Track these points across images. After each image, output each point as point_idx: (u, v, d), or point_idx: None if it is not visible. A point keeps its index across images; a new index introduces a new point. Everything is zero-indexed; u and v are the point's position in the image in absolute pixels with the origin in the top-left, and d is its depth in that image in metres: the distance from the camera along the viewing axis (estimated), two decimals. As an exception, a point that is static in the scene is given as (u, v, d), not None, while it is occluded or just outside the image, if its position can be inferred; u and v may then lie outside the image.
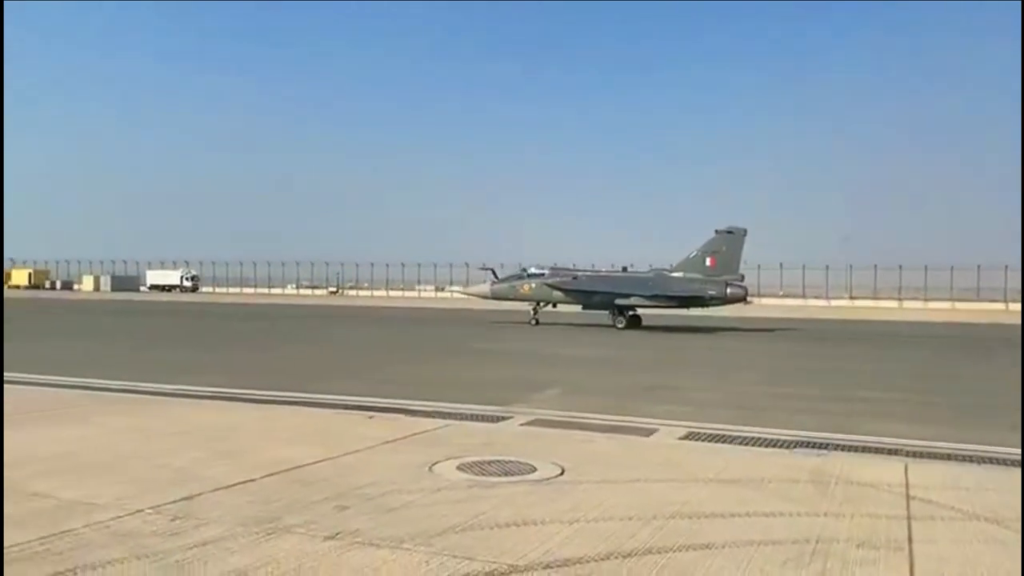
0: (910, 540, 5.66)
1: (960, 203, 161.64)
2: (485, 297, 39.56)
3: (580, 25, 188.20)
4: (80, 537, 5.34)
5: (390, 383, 14.69)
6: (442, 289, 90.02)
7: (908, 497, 6.82)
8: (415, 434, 9.30)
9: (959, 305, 77.35)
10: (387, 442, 8.78)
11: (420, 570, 4.88)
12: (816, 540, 5.59)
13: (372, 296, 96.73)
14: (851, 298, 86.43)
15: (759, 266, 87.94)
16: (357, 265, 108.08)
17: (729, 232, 36.34)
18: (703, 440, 9.44)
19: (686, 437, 9.59)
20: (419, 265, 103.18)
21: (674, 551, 5.30)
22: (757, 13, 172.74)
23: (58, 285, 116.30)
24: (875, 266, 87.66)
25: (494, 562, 5.02)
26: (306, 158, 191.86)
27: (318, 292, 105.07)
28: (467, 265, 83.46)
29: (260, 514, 5.92)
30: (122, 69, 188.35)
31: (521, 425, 10.24)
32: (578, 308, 37.50)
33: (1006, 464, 8.31)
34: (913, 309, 72.14)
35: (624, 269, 40.51)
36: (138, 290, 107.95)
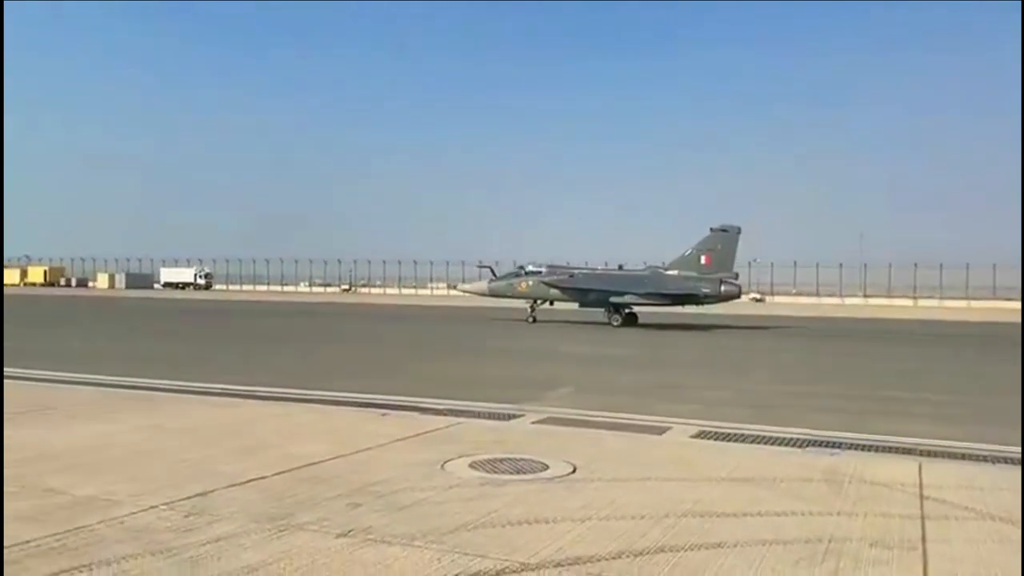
0: (924, 540, 5.63)
1: (976, 201, 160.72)
2: (483, 295, 39.92)
3: (580, 25, 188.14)
4: (95, 533, 5.38)
5: (403, 380, 14.71)
6: (454, 287, 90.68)
7: (922, 497, 6.78)
8: (427, 432, 9.33)
9: (975, 304, 76.78)
10: (399, 440, 8.81)
11: (432, 567, 4.89)
12: (829, 539, 5.57)
13: (384, 293, 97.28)
14: (865, 296, 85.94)
15: (772, 264, 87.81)
16: (369, 262, 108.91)
17: (724, 230, 36.50)
18: (714, 439, 9.41)
19: (697, 435, 9.57)
20: (428, 263, 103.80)
21: (686, 550, 5.29)
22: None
23: (73, 282, 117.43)
24: (890, 264, 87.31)
25: (505, 560, 5.02)
26: (315, 158, 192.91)
27: (330, 290, 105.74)
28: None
29: (273, 511, 5.95)
30: (120, 74, 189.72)
31: (532, 423, 10.25)
32: (574, 306, 37.63)
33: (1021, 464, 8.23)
34: (928, 307, 71.63)
35: (620, 267, 40.64)
36: (152, 287, 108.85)
